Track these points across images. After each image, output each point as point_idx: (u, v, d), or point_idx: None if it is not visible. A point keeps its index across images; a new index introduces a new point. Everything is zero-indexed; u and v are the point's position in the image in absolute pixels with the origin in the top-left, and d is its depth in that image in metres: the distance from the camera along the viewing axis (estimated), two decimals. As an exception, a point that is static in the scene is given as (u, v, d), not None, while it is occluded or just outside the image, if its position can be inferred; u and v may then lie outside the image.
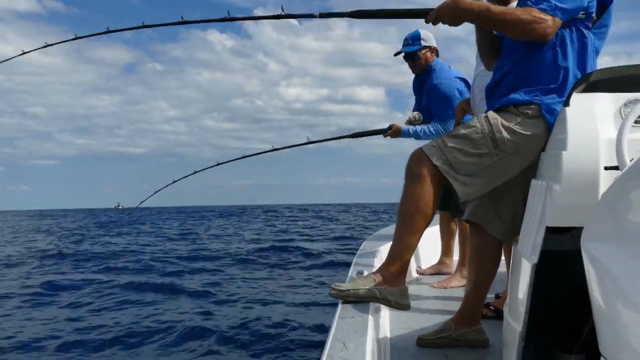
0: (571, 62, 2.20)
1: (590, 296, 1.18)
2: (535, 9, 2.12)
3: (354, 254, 3.61)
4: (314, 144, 4.69)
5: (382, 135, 4.34)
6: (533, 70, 2.22)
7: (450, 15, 2.26)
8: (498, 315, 2.77)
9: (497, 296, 3.12)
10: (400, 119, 4.31)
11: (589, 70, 2.18)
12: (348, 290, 2.23)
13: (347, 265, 3.34)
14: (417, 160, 2.26)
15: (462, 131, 2.26)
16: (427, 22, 2.35)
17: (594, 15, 2.22)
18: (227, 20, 2.64)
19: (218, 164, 4.53)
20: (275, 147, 4.63)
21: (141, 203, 4.80)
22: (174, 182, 4.56)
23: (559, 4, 2.12)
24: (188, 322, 6.97)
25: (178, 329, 6.57)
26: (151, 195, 4.60)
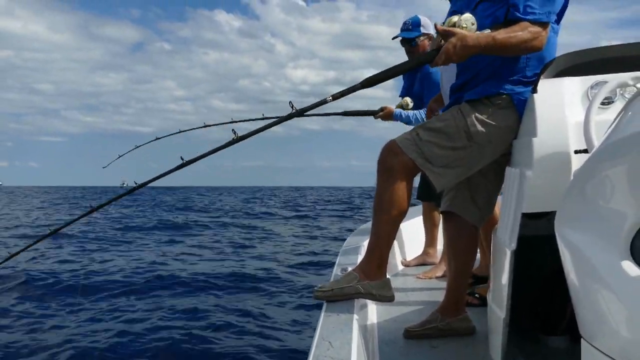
0: (540, 54, 2.20)
1: (567, 280, 1.20)
2: (527, 23, 2.10)
3: None
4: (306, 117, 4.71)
5: (372, 117, 4.38)
6: (504, 67, 2.24)
7: (459, 55, 2.15)
8: (484, 302, 2.80)
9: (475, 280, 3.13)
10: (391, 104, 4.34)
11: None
12: (332, 289, 2.23)
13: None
14: (390, 153, 2.27)
15: (437, 124, 2.27)
16: (432, 66, 2.25)
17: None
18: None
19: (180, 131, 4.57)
20: (266, 115, 4.61)
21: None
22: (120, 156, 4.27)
23: (551, 9, 2.13)
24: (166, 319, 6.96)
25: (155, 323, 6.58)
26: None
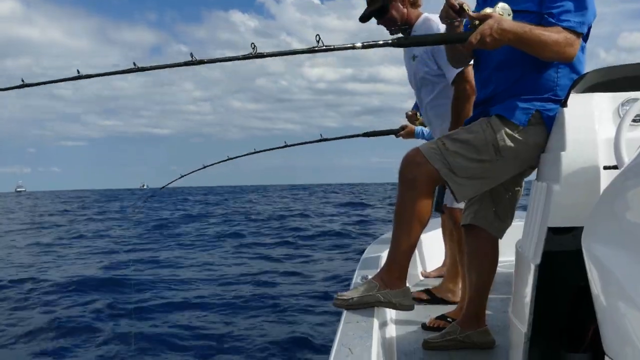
0: (570, 74, 2.19)
1: (593, 296, 1.19)
2: (562, 28, 2.09)
3: None
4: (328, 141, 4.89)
5: (394, 136, 4.41)
6: (534, 86, 2.22)
7: (494, 38, 2.06)
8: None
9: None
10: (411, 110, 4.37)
11: None
12: (352, 298, 2.23)
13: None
14: (413, 163, 2.26)
15: (465, 136, 2.26)
16: (467, 47, 2.12)
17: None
18: (253, 57, 2.23)
19: (229, 159, 4.76)
20: (288, 143, 4.83)
21: (165, 186, 5.11)
22: (205, 167, 4.73)
23: (584, 21, 2.11)
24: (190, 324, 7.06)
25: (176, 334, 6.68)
26: (177, 179, 4.78)
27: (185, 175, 4.73)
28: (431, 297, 3.41)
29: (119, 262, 12.37)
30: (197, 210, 34.25)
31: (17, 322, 7.54)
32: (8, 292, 9.44)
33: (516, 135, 2.20)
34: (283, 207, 34.38)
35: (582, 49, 2.21)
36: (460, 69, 2.90)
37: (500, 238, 2.50)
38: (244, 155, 4.82)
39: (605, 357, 1.11)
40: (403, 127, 4.32)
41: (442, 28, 2.87)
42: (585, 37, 2.20)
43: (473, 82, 2.92)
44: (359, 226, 19.75)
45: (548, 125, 2.16)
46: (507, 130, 2.20)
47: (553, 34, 2.08)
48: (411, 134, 4.27)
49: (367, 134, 4.64)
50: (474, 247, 2.52)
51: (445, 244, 4.36)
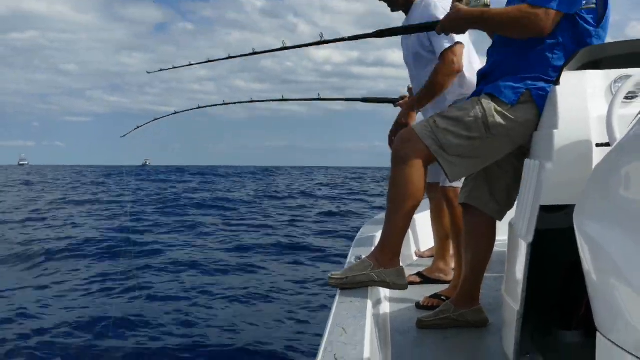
0: (566, 57, 2.15)
1: (585, 273, 1.19)
2: (525, 5, 2.11)
3: None
4: (327, 101, 5.05)
5: (392, 105, 4.39)
6: (527, 63, 2.21)
7: (453, 25, 2.34)
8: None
9: None
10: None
11: None
12: (346, 277, 2.24)
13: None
14: (405, 141, 2.27)
15: (455, 113, 2.26)
16: (438, 33, 2.45)
17: (597, 8, 2.15)
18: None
19: (225, 103, 5.06)
20: (285, 97, 5.00)
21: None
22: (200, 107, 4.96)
23: None
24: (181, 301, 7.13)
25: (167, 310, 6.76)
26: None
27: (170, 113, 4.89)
28: (424, 279, 3.43)
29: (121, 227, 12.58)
30: (196, 186, 34.76)
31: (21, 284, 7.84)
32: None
33: (506, 113, 2.20)
34: (281, 187, 34.68)
35: (592, 34, 2.17)
36: (448, 45, 2.90)
37: (499, 220, 2.49)
38: (241, 102, 5.23)
39: (597, 333, 1.11)
40: (402, 97, 4.29)
41: (439, 6, 2.90)
42: (596, 21, 2.16)
43: (460, 58, 2.92)
44: (354, 206, 19.82)
45: (538, 103, 2.15)
46: (497, 107, 2.20)
47: (509, 11, 2.17)
48: None
49: (366, 100, 4.65)
50: (470, 227, 2.53)
51: (433, 225, 4.37)
